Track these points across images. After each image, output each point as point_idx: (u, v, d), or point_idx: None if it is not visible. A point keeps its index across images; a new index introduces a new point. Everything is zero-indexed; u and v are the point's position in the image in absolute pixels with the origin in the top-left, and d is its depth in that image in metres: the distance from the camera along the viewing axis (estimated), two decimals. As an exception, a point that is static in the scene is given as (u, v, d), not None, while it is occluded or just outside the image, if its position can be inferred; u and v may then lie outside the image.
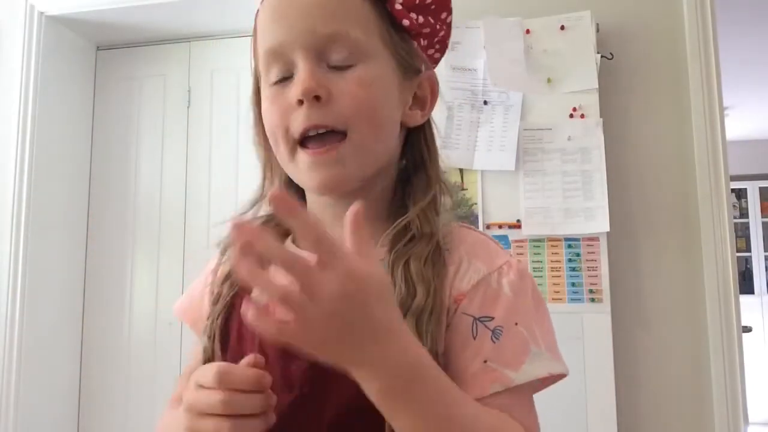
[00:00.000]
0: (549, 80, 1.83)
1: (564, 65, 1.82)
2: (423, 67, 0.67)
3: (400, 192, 0.67)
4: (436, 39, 0.68)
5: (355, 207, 0.46)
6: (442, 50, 0.71)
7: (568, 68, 1.82)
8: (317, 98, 0.58)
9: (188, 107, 2.53)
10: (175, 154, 2.51)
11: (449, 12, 0.68)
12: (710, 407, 1.73)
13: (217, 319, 0.65)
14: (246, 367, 0.52)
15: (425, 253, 0.60)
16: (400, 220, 0.62)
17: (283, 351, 0.58)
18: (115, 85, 2.61)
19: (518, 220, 1.81)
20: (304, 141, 0.60)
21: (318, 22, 0.58)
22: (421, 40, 0.67)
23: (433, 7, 0.66)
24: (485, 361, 0.57)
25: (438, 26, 0.67)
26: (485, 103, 1.86)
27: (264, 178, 0.69)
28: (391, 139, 0.64)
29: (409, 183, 0.66)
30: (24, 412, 2.23)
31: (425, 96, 0.67)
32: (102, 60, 2.65)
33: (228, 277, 0.66)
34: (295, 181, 0.65)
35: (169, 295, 2.44)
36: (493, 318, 0.58)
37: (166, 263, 2.46)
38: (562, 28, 1.83)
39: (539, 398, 0.75)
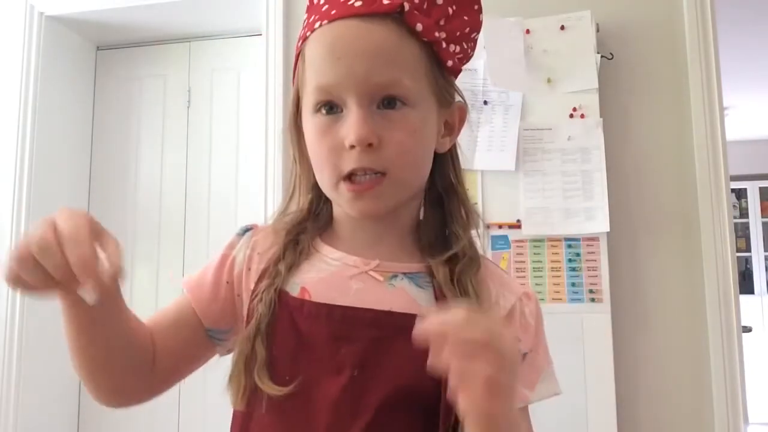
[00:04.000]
0: (549, 80, 1.83)
1: (564, 65, 1.82)
2: (456, 96, 0.71)
3: (429, 210, 0.73)
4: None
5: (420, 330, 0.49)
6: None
7: (568, 68, 1.82)
8: (369, 145, 0.62)
9: (188, 107, 2.52)
10: (175, 154, 2.51)
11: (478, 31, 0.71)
12: (710, 407, 1.73)
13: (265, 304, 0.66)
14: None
15: (477, 275, 0.67)
16: (455, 248, 0.68)
17: (332, 334, 0.63)
18: (115, 85, 2.61)
19: (518, 220, 1.81)
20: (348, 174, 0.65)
21: (375, 70, 0.61)
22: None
23: (473, 35, 0.70)
24: None
25: (469, 49, 0.71)
26: (485, 103, 1.86)
27: (294, 186, 0.74)
28: (427, 170, 0.69)
29: (442, 207, 0.72)
30: (24, 412, 2.23)
31: (454, 122, 0.71)
32: (102, 60, 2.65)
33: (265, 273, 0.68)
34: (334, 203, 0.71)
35: (169, 295, 2.44)
36: (520, 342, 0.66)
37: (166, 263, 2.46)
38: (562, 28, 1.83)
39: (539, 398, 0.75)
